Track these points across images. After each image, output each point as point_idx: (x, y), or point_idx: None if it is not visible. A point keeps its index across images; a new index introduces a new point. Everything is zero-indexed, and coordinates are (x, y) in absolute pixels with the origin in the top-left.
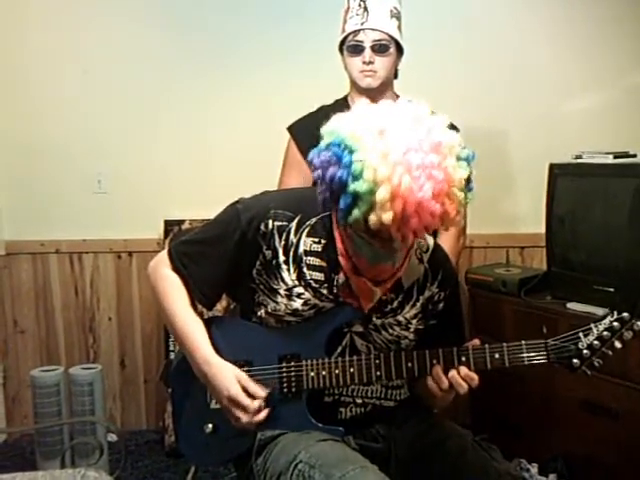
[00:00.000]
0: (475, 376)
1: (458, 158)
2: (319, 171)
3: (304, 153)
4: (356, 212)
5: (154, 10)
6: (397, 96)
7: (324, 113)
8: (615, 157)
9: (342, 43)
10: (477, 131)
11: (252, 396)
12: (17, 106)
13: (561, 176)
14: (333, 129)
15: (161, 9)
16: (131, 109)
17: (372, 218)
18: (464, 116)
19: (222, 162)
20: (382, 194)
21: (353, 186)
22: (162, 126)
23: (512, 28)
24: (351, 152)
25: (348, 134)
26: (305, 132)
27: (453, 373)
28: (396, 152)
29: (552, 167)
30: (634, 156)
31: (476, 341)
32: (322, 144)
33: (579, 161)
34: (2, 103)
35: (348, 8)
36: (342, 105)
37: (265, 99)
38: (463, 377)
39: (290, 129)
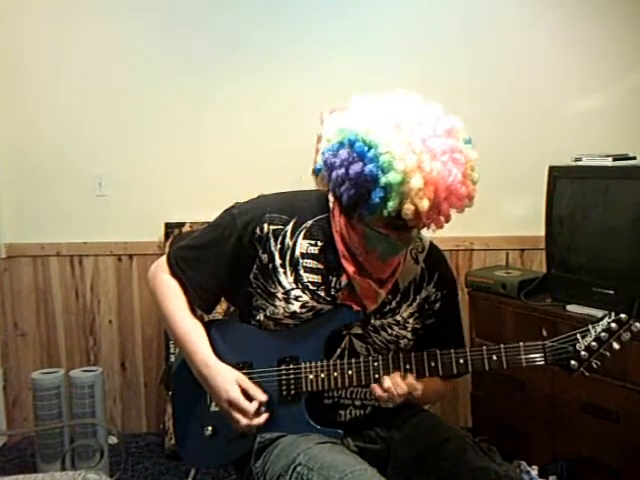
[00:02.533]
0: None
1: (465, 141)
2: (341, 170)
3: None
4: (391, 204)
5: (154, 10)
6: None
7: None
8: (614, 160)
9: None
10: (476, 133)
11: (251, 399)
12: (17, 109)
13: (561, 178)
14: (343, 128)
15: (161, 9)
16: (131, 111)
17: (408, 207)
18: (463, 118)
19: (222, 164)
20: (416, 182)
21: (385, 179)
22: (162, 128)
23: (513, 29)
24: (372, 147)
25: (363, 130)
26: None
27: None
28: (417, 141)
29: (552, 169)
30: (633, 158)
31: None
32: (332, 144)
33: (579, 164)
34: (1, 106)
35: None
36: None
37: (265, 101)
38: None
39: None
